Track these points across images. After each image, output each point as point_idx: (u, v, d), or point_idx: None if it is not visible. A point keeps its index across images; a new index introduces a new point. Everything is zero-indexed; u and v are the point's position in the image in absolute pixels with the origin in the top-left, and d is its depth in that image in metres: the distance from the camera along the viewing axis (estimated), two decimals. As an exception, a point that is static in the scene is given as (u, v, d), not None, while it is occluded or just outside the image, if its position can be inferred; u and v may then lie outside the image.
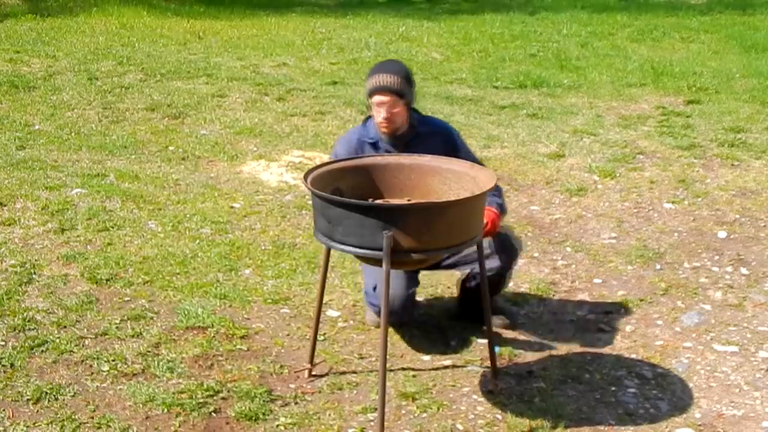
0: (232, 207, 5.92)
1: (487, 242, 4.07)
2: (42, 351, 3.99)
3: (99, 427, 3.45)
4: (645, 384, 3.87)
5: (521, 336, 4.29)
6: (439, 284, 4.81)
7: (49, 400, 3.61)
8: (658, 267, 5.09)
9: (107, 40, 11.70)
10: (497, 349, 4.03)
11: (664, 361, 4.06)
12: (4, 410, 3.54)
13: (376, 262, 3.32)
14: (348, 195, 3.53)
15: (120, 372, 3.84)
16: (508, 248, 4.18)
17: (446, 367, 4.00)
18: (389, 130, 4.02)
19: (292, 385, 3.81)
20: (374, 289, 4.15)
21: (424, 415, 3.62)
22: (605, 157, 7.02)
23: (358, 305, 4.56)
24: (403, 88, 3.95)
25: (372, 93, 4.00)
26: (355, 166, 3.78)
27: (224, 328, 4.24)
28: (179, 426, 3.48)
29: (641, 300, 4.68)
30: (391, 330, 4.18)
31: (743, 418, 3.64)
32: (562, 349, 4.17)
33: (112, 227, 5.47)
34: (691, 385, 3.89)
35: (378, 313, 4.16)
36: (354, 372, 3.93)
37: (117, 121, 7.89)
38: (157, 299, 4.55)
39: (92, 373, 3.83)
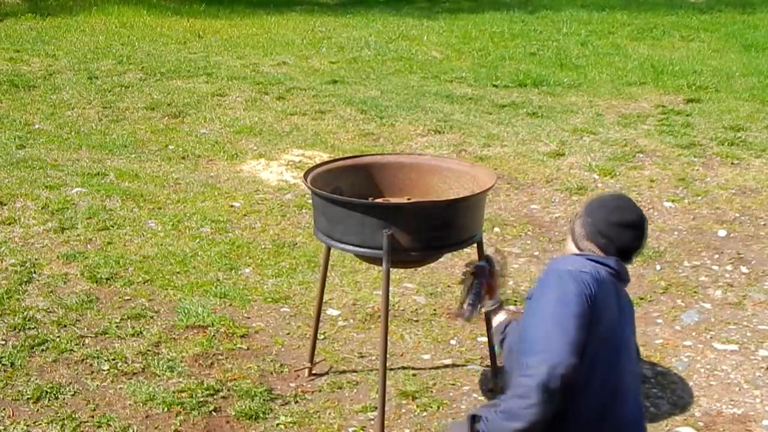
0: (232, 206, 5.92)
1: None
2: (42, 350, 3.99)
3: (99, 426, 3.45)
4: (645, 383, 3.87)
5: (521, 335, 4.29)
6: (439, 283, 4.81)
7: (49, 399, 3.61)
8: (658, 266, 5.09)
9: (107, 39, 11.70)
10: (497, 347, 4.02)
11: (664, 360, 4.06)
12: (4, 409, 3.54)
13: (376, 260, 3.32)
14: (348, 194, 3.53)
15: (120, 371, 3.84)
16: None
17: (446, 366, 4.00)
18: None
19: (292, 384, 3.81)
20: None
21: (424, 413, 3.62)
22: (605, 155, 7.02)
23: (358, 304, 4.56)
24: None
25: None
26: (355, 165, 3.78)
27: (224, 327, 4.24)
28: (179, 425, 3.48)
29: (641, 298, 4.68)
30: (391, 329, 4.18)
31: (743, 416, 3.64)
32: (562, 347, 4.17)
33: (112, 226, 5.47)
34: (691, 383, 3.89)
35: None
36: (354, 371, 3.93)
37: (117, 120, 7.89)
38: (157, 298, 4.55)
39: (92, 372, 3.83)
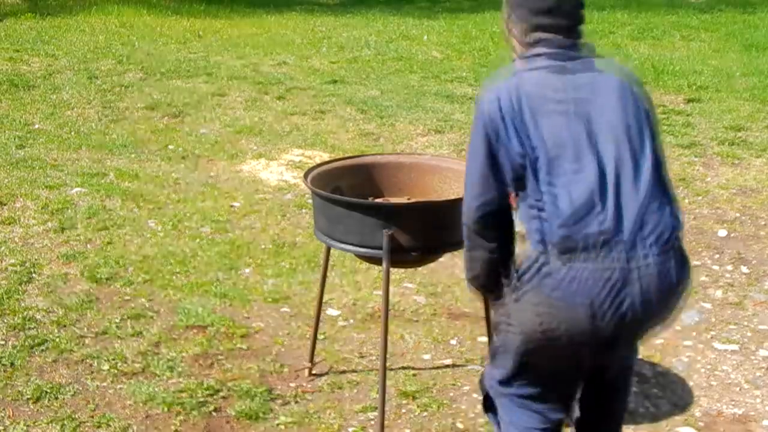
0: (232, 206, 5.92)
1: None
2: (42, 350, 3.99)
3: (99, 426, 3.45)
4: (645, 383, 3.87)
5: (521, 335, 4.29)
6: (440, 283, 4.81)
7: (49, 399, 3.61)
8: (659, 265, 5.08)
9: (107, 38, 11.70)
10: None
11: (664, 360, 4.06)
12: (4, 409, 3.54)
13: (376, 260, 3.32)
14: (348, 194, 3.52)
15: (120, 371, 3.84)
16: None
17: (446, 366, 4.00)
18: None
19: (292, 384, 3.81)
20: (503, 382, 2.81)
21: (425, 414, 3.62)
22: (605, 155, 7.00)
23: (358, 304, 4.56)
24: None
25: None
26: (355, 165, 3.78)
27: (224, 327, 4.24)
28: (179, 425, 3.48)
29: (641, 298, 4.68)
30: (391, 329, 4.18)
31: (743, 416, 3.64)
32: (563, 347, 4.16)
33: (112, 226, 5.47)
34: (691, 383, 3.88)
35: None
36: (354, 371, 3.93)
37: (117, 120, 7.89)
38: (157, 298, 4.55)
39: (92, 372, 3.83)
